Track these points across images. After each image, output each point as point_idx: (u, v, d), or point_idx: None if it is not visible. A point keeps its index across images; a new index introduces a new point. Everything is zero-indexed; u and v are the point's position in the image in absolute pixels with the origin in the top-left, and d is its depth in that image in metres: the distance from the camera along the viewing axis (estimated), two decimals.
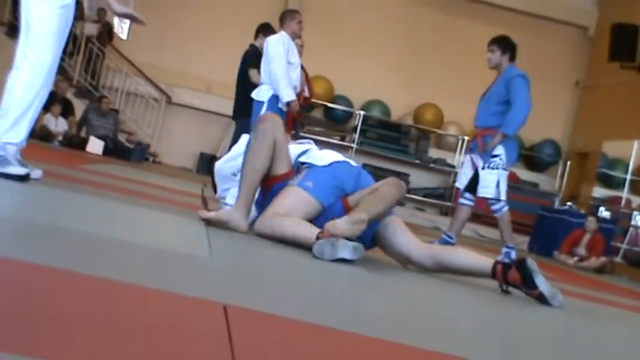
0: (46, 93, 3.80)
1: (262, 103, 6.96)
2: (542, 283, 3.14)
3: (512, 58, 6.18)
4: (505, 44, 6.20)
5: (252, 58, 7.98)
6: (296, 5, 14.22)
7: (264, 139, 3.47)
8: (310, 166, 3.62)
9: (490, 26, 14.87)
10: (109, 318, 1.44)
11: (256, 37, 8.15)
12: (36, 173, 3.74)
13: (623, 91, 13.26)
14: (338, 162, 3.63)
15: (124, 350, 1.25)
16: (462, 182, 6.40)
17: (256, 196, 3.62)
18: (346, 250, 3.00)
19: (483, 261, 3.33)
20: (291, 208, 3.43)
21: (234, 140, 7.96)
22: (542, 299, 3.14)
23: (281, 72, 6.74)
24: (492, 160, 6.04)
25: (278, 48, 6.79)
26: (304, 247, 3.19)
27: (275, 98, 6.94)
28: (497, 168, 6.04)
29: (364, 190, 3.47)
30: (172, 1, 13.85)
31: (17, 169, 3.57)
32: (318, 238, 3.12)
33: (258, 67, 7.88)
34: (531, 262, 3.14)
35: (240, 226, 3.43)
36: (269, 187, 3.58)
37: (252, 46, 8.14)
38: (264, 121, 3.60)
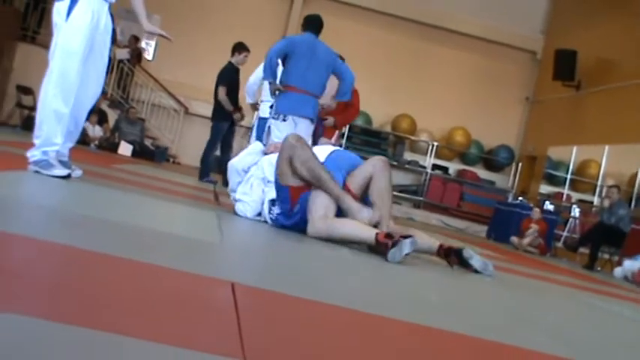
0: (83, 106, 3.64)
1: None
2: (476, 262, 3.38)
3: (304, 27, 5.83)
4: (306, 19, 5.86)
5: (224, 75, 7.78)
6: (293, 30, 14.20)
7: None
8: None
9: (455, 50, 14.93)
10: (131, 292, 1.44)
11: (232, 54, 7.94)
12: (77, 173, 3.68)
13: (564, 105, 13.33)
14: (332, 153, 3.64)
15: (142, 320, 1.25)
16: None
17: (273, 195, 3.56)
18: (406, 246, 3.02)
19: (431, 242, 3.48)
20: (327, 207, 3.37)
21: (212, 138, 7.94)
22: (476, 271, 3.38)
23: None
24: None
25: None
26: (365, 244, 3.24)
27: None
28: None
29: (362, 174, 3.47)
30: (190, 28, 13.79)
31: (59, 171, 3.47)
32: (377, 236, 3.10)
33: (227, 84, 7.66)
34: (467, 252, 3.40)
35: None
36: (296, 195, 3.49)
37: (229, 63, 7.92)
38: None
